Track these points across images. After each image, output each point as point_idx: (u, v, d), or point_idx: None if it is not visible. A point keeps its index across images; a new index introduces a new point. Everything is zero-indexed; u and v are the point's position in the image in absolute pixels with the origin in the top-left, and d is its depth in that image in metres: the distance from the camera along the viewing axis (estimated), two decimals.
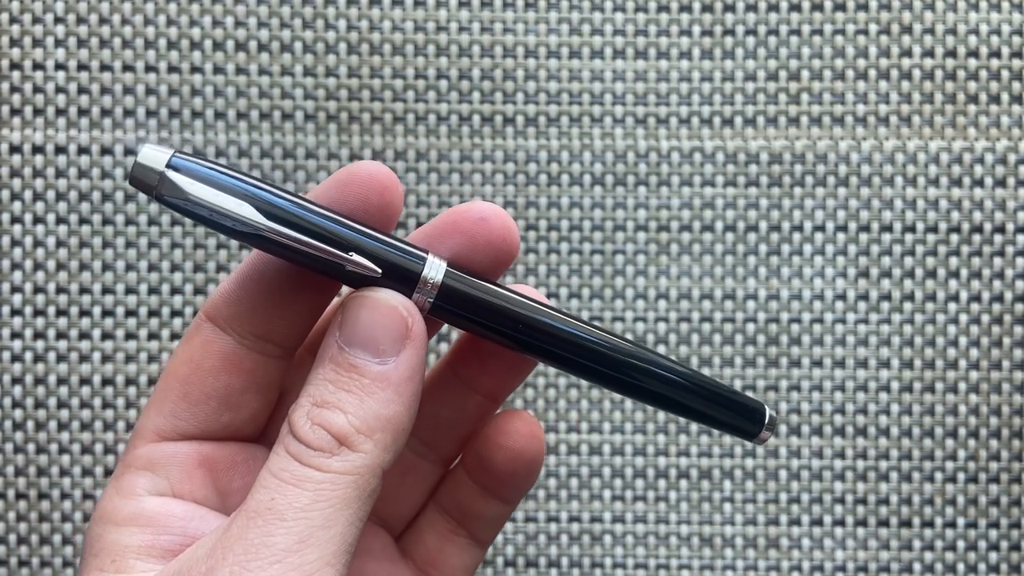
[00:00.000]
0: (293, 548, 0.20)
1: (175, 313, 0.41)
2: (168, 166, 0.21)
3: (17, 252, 0.41)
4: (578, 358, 0.23)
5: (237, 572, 0.20)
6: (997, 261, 0.41)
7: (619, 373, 0.23)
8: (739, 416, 0.24)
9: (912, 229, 0.42)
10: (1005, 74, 0.41)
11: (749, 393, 0.41)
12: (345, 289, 0.23)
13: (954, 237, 0.41)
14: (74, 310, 0.41)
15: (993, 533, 0.41)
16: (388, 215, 0.23)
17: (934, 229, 0.42)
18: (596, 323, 0.24)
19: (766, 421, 0.24)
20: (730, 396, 0.24)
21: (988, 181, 0.41)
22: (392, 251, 0.22)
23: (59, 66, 0.41)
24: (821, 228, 0.41)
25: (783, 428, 0.41)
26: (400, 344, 0.22)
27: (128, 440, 0.24)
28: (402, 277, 0.22)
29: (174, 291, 0.41)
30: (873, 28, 0.41)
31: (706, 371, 0.41)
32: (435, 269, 0.22)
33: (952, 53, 0.41)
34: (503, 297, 0.23)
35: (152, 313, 0.41)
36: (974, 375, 0.41)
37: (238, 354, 0.23)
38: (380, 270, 0.22)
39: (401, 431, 0.22)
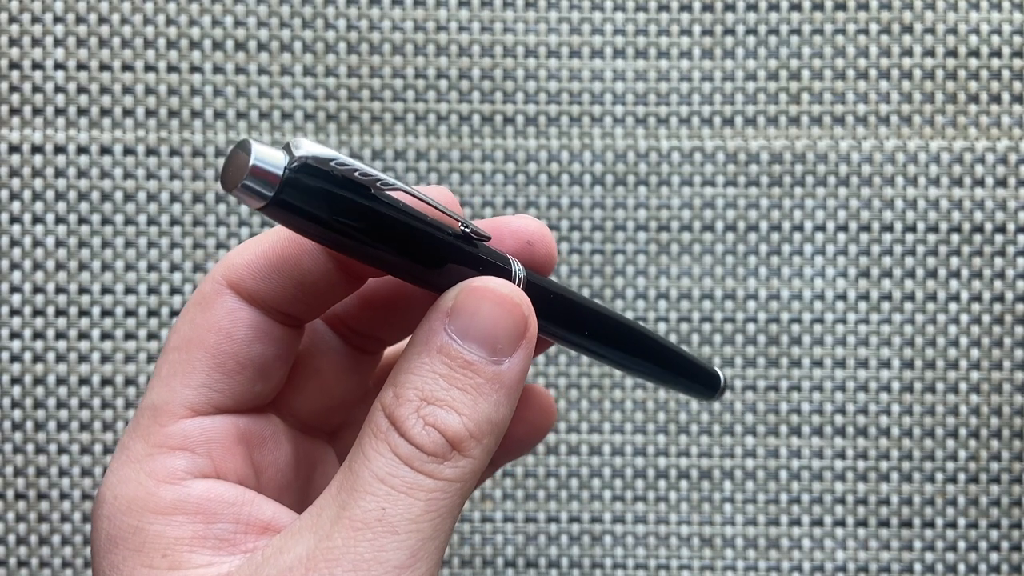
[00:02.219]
0: (406, 564, 0.19)
1: (174, 313, 0.41)
2: (291, 167, 0.18)
3: (16, 252, 0.41)
4: (611, 343, 0.24)
5: None
6: (998, 261, 0.41)
7: (636, 358, 0.25)
8: (698, 381, 0.26)
9: (913, 229, 0.41)
10: (1006, 74, 0.41)
11: (749, 394, 0.41)
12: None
13: (955, 237, 0.41)
14: (73, 310, 0.41)
15: (994, 533, 0.41)
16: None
17: (935, 229, 0.41)
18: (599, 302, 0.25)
19: (721, 384, 0.27)
20: (694, 363, 0.27)
21: (989, 181, 0.41)
22: (494, 250, 0.21)
23: (58, 65, 0.41)
24: (822, 228, 0.41)
25: (784, 428, 0.41)
26: (516, 344, 0.20)
27: (134, 420, 0.22)
28: (497, 269, 0.21)
29: (173, 291, 0.41)
30: (874, 27, 0.41)
31: None
32: (519, 267, 0.22)
33: (953, 52, 0.41)
34: (571, 300, 0.23)
35: (151, 313, 0.41)
36: (975, 375, 0.41)
37: (267, 323, 0.22)
38: (489, 235, 0.21)
39: (501, 435, 0.21)
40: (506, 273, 0.21)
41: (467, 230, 0.20)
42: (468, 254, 0.20)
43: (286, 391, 0.24)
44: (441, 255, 0.20)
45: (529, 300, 0.21)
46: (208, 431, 0.21)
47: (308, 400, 0.24)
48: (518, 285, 0.21)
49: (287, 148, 0.18)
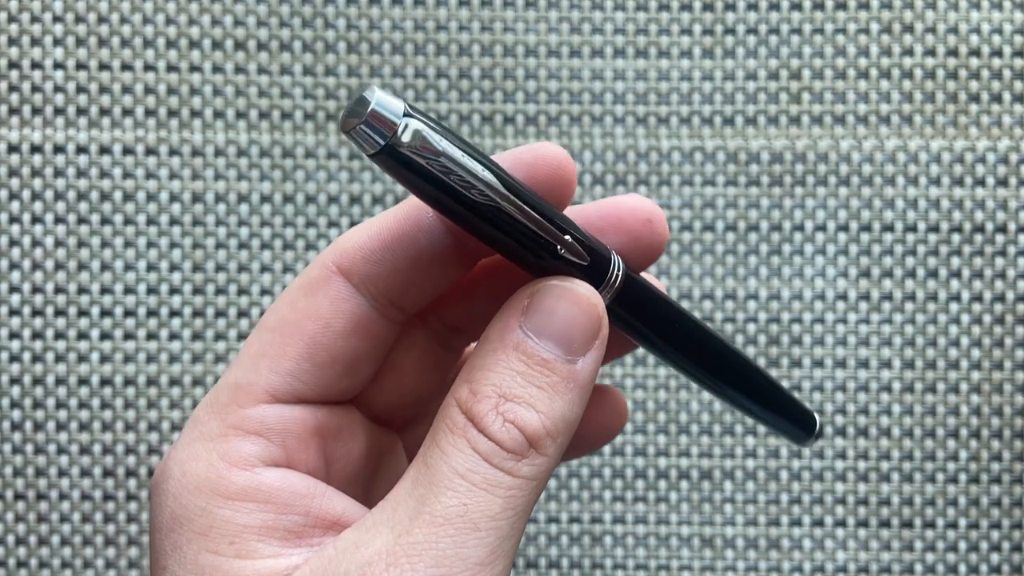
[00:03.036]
0: (486, 560, 0.19)
1: (173, 313, 0.41)
2: (405, 115, 0.18)
3: (15, 252, 0.41)
4: (705, 366, 0.24)
5: None
6: (999, 261, 0.41)
7: (734, 384, 0.24)
8: (793, 421, 0.25)
9: (914, 229, 0.41)
10: (1007, 73, 0.41)
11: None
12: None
13: (956, 237, 0.41)
14: (72, 310, 0.41)
15: (995, 534, 0.41)
16: (560, 206, 0.21)
17: (936, 229, 0.41)
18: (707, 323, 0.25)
19: (816, 429, 0.25)
20: (791, 400, 0.25)
21: (990, 180, 0.41)
22: (590, 241, 0.21)
23: (57, 65, 0.41)
24: (822, 228, 0.41)
25: None
26: (590, 344, 0.20)
27: (216, 395, 0.21)
28: (593, 272, 0.21)
29: (172, 291, 0.41)
30: (875, 27, 0.41)
31: None
32: (619, 268, 0.21)
33: (954, 52, 0.41)
34: (667, 305, 0.22)
35: (151, 313, 0.41)
36: (976, 375, 0.41)
37: (370, 317, 0.21)
38: (588, 258, 0.20)
39: (573, 434, 0.21)
40: (604, 270, 0.21)
41: (562, 251, 0.20)
42: (573, 243, 0.20)
43: (374, 383, 0.23)
44: (543, 250, 0.20)
45: (601, 300, 0.21)
46: (286, 420, 0.21)
47: (386, 395, 0.23)
48: (614, 282, 0.21)
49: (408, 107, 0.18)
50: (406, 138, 0.18)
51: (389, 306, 0.22)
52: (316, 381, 0.21)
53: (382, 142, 0.18)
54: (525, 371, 0.20)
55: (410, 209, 0.21)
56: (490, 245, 0.20)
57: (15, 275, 0.41)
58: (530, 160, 0.21)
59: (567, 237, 0.20)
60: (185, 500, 0.20)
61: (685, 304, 0.41)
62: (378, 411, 0.24)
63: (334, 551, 0.19)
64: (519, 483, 0.19)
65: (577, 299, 0.20)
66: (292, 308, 0.21)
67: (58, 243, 0.41)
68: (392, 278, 0.21)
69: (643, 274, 0.23)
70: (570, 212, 0.22)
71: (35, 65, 0.41)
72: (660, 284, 0.24)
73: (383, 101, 0.17)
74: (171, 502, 0.20)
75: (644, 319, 0.22)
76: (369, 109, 0.17)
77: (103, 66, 0.41)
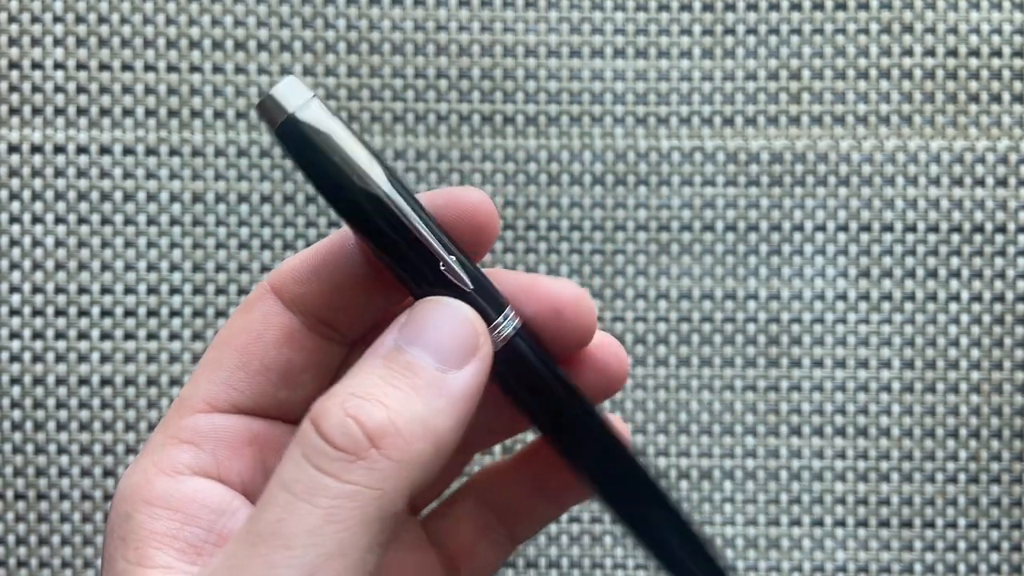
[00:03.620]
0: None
1: (174, 313, 0.41)
2: (312, 99, 0.20)
3: (16, 252, 0.41)
4: (597, 479, 0.22)
5: None
6: (998, 261, 0.41)
7: (628, 508, 0.22)
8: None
9: (913, 229, 0.41)
10: (1006, 73, 0.41)
11: (748, 416, 0.41)
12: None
13: (955, 237, 0.41)
14: (72, 310, 0.41)
15: (994, 534, 0.41)
16: (476, 251, 0.21)
17: (935, 229, 0.41)
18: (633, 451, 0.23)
19: None
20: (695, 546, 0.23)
21: (989, 181, 0.41)
22: (482, 280, 0.21)
23: (58, 65, 0.41)
24: (822, 228, 0.41)
25: (784, 428, 0.41)
26: (466, 358, 0.19)
27: (167, 411, 0.22)
28: (483, 305, 0.20)
29: (173, 291, 0.41)
30: (874, 27, 0.41)
31: (706, 371, 0.41)
32: (511, 320, 0.21)
33: (953, 52, 0.41)
34: (560, 384, 0.21)
35: (151, 313, 0.41)
36: (975, 375, 0.41)
37: (301, 333, 0.22)
38: (471, 286, 0.20)
39: (443, 450, 0.19)
40: (491, 315, 0.21)
41: (443, 268, 0.20)
42: (458, 282, 0.20)
43: None
44: (428, 277, 0.20)
45: (484, 325, 0.20)
46: (218, 428, 0.21)
47: None
48: (501, 334, 0.20)
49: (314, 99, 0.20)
50: (302, 115, 0.19)
51: (320, 325, 0.22)
52: (251, 389, 0.21)
53: (279, 119, 0.19)
54: (386, 374, 0.19)
55: (338, 236, 0.22)
56: (378, 256, 0.20)
57: (15, 275, 0.41)
58: (442, 200, 0.21)
59: (452, 257, 0.20)
60: (118, 508, 0.20)
61: (684, 304, 0.41)
62: None
63: (199, 572, 0.19)
64: (349, 491, 0.18)
65: (451, 311, 0.20)
66: (229, 326, 0.22)
67: (58, 243, 0.41)
68: (318, 298, 0.22)
69: (600, 347, 0.22)
70: (489, 273, 0.21)
71: (36, 65, 0.41)
72: (615, 363, 0.22)
73: (291, 84, 0.20)
74: (111, 512, 0.20)
75: (525, 386, 0.21)
76: (274, 89, 0.20)
77: (103, 66, 0.41)
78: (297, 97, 0.20)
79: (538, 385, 0.21)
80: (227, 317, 0.41)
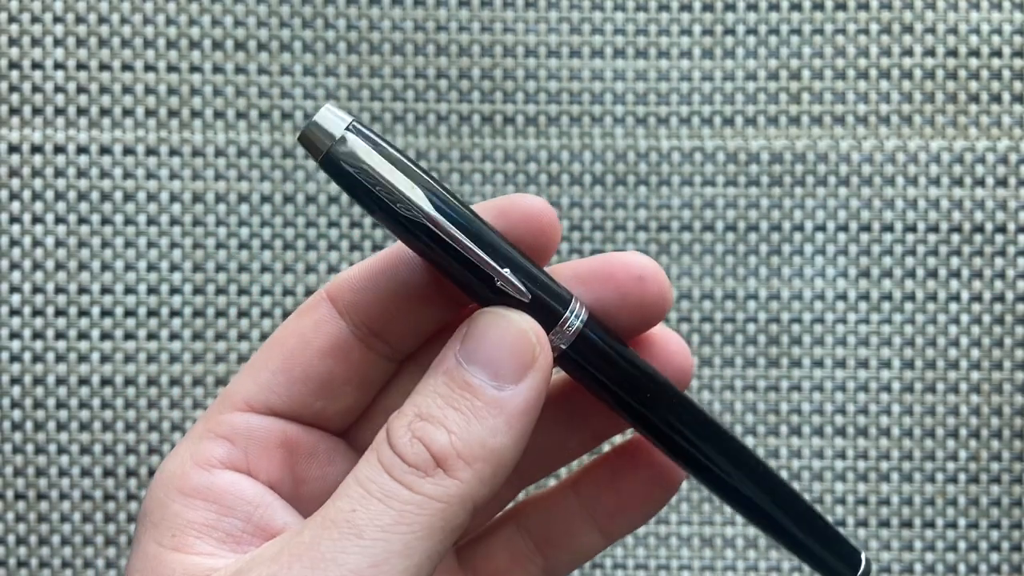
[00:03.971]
0: (363, 571, 0.18)
1: (174, 313, 0.41)
2: (348, 130, 0.20)
3: (16, 252, 0.41)
4: (700, 455, 0.22)
5: None
6: (998, 261, 0.41)
7: (741, 487, 0.22)
8: (835, 556, 0.23)
9: (913, 229, 0.41)
10: (1006, 73, 0.41)
11: (749, 395, 0.41)
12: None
13: (955, 237, 0.41)
14: (73, 310, 0.41)
15: (995, 534, 0.41)
16: (541, 255, 0.22)
17: (935, 229, 0.41)
18: (721, 421, 0.22)
19: (862, 567, 0.23)
20: (833, 535, 0.23)
21: (989, 181, 0.41)
22: (543, 280, 0.21)
23: (58, 65, 0.41)
24: (822, 228, 0.41)
25: (784, 428, 0.41)
26: (522, 373, 0.20)
27: (209, 404, 0.23)
28: (543, 312, 0.21)
29: (173, 291, 0.41)
30: (874, 27, 0.41)
31: (706, 371, 0.41)
32: (577, 314, 0.21)
33: (953, 52, 0.41)
34: (638, 364, 0.22)
35: (151, 313, 0.41)
36: (975, 375, 0.41)
37: (349, 343, 0.22)
38: (530, 295, 0.20)
39: (503, 466, 0.20)
40: (557, 313, 0.21)
41: (499, 283, 0.20)
42: (516, 294, 0.21)
43: (367, 421, 0.24)
44: (487, 291, 0.21)
45: (542, 330, 0.20)
46: (253, 427, 0.22)
47: (375, 434, 0.24)
48: (570, 328, 0.21)
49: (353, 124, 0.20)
50: (341, 149, 0.20)
51: (371, 336, 0.22)
52: (289, 395, 0.22)
53: (319, 152, 0.20)
54: (447, 394, 0.20)
55: (397, 247, 0.22)
56: (438, 269, 0.21)
57: (16, 275, 0.41)
58: (503, 206, 0.21)
59: (505, 269, 0.20)
60: (154, 493, 0.21)
61: (684, 304, 0.41)
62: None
63: (250, 558, 0.20)
64: (419, 500, 0.19)
65: (506, 324, 0.20)
66: (282, 328, 0.22)
67: (59, 243, 0.41)
68: (373, 307, 0.22)
69: (662, 337, 0.23)
70: (563, 266, 0.22)
71: (36, 65, 0.41)
72: (679, 353, 0.23)
73: (329, 115, 0.20)
74: (147, 496, 0.21)
75: (606, 375, 0.21)
76: (313, 120, 0.20)
77: (104, 66, 0.41)
78: (335, 128, 0.20)
79: (613, 368, 0.21)
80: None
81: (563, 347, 0.21)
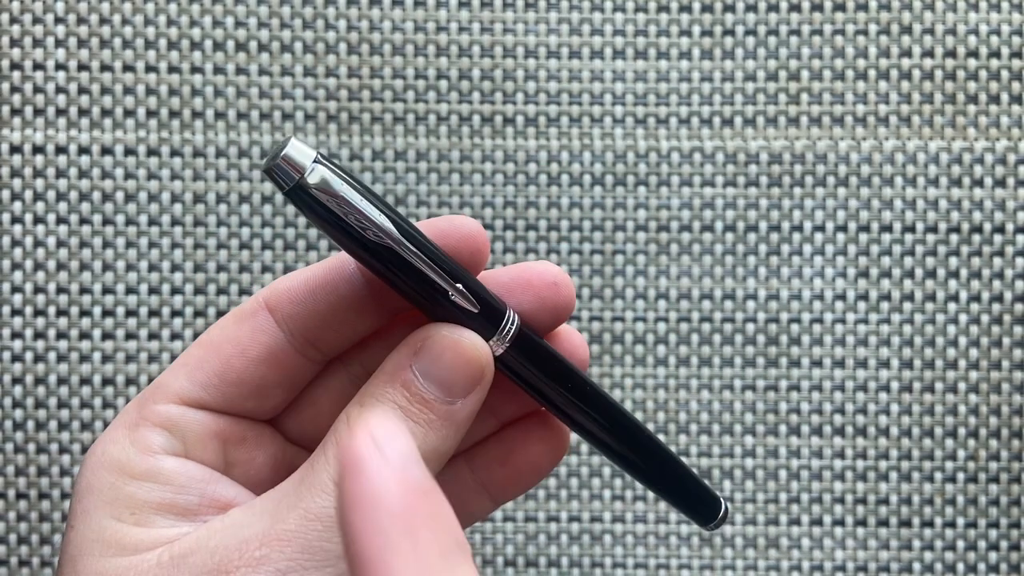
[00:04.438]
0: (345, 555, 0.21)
1: (175, 313, 0.41)
2: (315, 161, 0.21)
3: (18, 252, 0.41)
4: (605, 434, 0.25)
5: (292, 568, 0.21)
6: (997, 261, 0.41)
7: (632, 452, 0.26)
8: (701, 503, 0.27)
9: (912, 229, 0.42)
10: (1005, 74, 0.41)
11: (748, 394, 0.41)
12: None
13: (954, 237, 0.42)
14: (74, 310, 0.41)
15: (993, 533, 0.41)
16: (474, 271, 0.24)
17: (934, 229, 0.42)
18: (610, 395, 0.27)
19: (720, 513, 0.27)
20: (697, 484, 0.27)
21: (988, 181, 0.41)
22: (484, 294, 0.23)
23: (59, 66, 0.41)
24: (821, 228, 0.42)
25: (782, 428, 0.41)
26: (471, 388, 0.23)
27: (145, 388, 0.24)
28: (485, 322, 0.23)
29: (174, 291, 0.41)
30: (873, 28, 0.41)
31: (706, 371, 0.42)
32: (513, 321, 0.23)
33: (952, 53, 0.41)
34: (558, 360, 0.24)
35: (152, 313, 0.41)
36: (974, 375, 0.41)
37: (284, 352, 0.24)
38: (478, 307, 0.23)
39: (446, 460, 0.23)
40: (496, 321, 0.23)
41: (453, 296, 0.22)
42: (463, 291, 0.23)
43: (292, 410, 0.26)
44: (439, 305, 0.23)
45: (489, 350, 0.23)
46: (188, 421, 0.24)
47: (302, 423, 0.26)
48: (507, 334, 0.23)
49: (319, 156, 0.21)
50: (312, 179, 0.21)
51: (306, 344, 0.24)
52: (222, 396, 0.24)
53: (290, 183, 0.21)
54: (406, 406, 0.23)
55: (337, 260, 0.24)
56: (392, 287, 0.23)
57: (17, 275, 0.41)
58: (444, 227, 0.24)
59: (458, 285, 0.22)
60: (100, 474, 0.23)
61: (684, 304, 0.42)
62: (294, 436, 0.26)
63: (220, 525, 0.22)
64: None
65: (463, 350, 0.23)
66: (220, 331, 0.24)
67: (60, 243, 0.41)
68: (311, 319, 0.24)
69: (567, 333, 0.26)
70: (485, 275, 0.24)
71: (37, 66, 0.41)
72: (581, 346, 0.26)
73: (296, 148, 0.21)
74: (88, 474, 0.23)
75: (536, 372, 0.24)
76: (283, 153, 0.21)
77: (105, 67, 0.41)
78: (301, 159, 0.21)
79: (545, 368, 0.24)
80: None
81: (501, 351, 0.23)
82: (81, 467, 0.24)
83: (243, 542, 0.21)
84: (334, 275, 0.24)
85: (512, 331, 0.23)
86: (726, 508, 0.27)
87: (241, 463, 0.25)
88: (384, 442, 0.19)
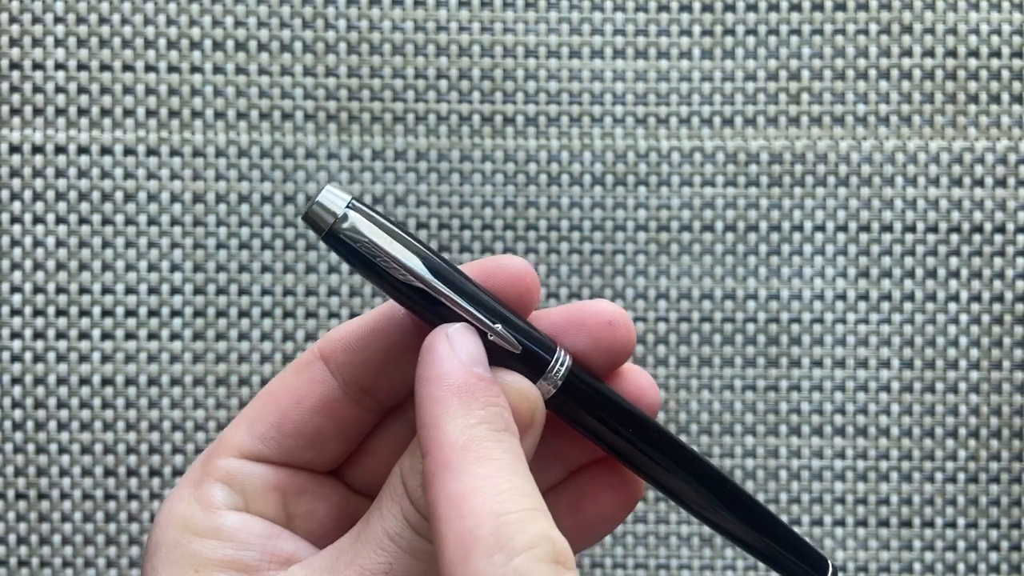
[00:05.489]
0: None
1: (175, 313, 0.41)
2: (348, 207, 0.22)
3: (17, 252, 0.41)
4: (677, 480, 0.24)
5: None
6: (997, 261, 0.41)
7: (715, 510, 0.24)
8: (805, 564, 0.25)
9: (912, 229, 0.42)
10: (1005, 74, 0.41)
11: (749, 394, 0.41)
12: None
13: (954, 237, 0.41)
14: (73, 310, 0.41)
15: (993, 533, 0.41)
16: (523, 311, 0.24)
17: (934, 229, 0.42)
18: (692, 447, 0.25)
19: (828, 573, 0.25)
20: (800, 544, 0.25)
21: (988, 181, 0.41)
22: (530, 332, 0.23)
23: (59, 66, 0.41)
24: (821, 228, 0.41)
25: (783, 428, 0.41)
26: (523, 433, 0.22)
27: (207, 446, 0.25)
28: (532, 363, 0.23)
29: (174, 291, 0.41)
30: (873, 28, 0.41)
31: (706, 371, 0.41)
32: (562, 362, 0.23)
33: (952, 53, 0.41)
34: (619, 402, 0.24)
35: (152, 313, 0.41)
36: (974, 375, 0.41)
37: (340, 402, 0.24)
38: (520, 347, 0.22)
39: None
40: (544, 362, 0.23)
41: (492, 337, 0.22)
42: (508, 346, 0.22)
43: (352, 461, 0.26)
44: (483, 337, 0.22)
45: (538, 393, 0.22)
46: (247, 474, 0.24)
47: (364, 473, 0.26)
48: (558, 375, 0.23)
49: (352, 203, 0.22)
50: (344, 225, 0.22)
51: (361, 393, 0.24)
52: (279, 448, 0.24)
53: (325, 228, 0.22)
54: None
55: (388, 307, 0.24)
56: (431, 326, 0.22)
57: (17, 275, 0.41)
58: (490, 267, 0.24)
59: (497, 325, 0.22)
60: (167, 532, 0.23)
61: (684, 304, 0.41)
62: (357, 486, 0.26)
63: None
64: None
65: (507, 393, 0.22)
66: (280, 383, 0.24)
67: (59, 243, 0.41)
68: (365, 367, 0.24)
69: (632, 373, 0.25)
70: (538, 314, 0.24)
71: (37, 66, 0.41)
72: (650, 389, 0.25)
73: (330, 195, 0.22)
74: (157, 532, 0.24)
75: (594, 415, 0.23)
76: (316, 200, 0.22)
77: (104, 67, 0.41)
78: (336, 206, 0.22)
79: (604, 411, 0.24)
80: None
81: (552, 391, 0.23)
82: (152, 528, 0.24)
83: None
84: (385, 322, 0.24)
85: (563, 372, 0.23)
86: (834, 569, 0.25)
87: (302, 515, 0.25)
88: (456, 341, 0.21)
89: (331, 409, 0.24)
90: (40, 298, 0.41)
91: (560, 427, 0.24)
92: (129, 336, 0.41)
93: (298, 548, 0.24)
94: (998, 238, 0.41)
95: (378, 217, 0.22)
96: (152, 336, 0.41)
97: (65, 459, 0.41)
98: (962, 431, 0.41)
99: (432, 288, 0.22)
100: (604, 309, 0.24)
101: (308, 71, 0.41)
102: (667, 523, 0.41)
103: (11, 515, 0.41)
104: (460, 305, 0.22)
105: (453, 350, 0.21)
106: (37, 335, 0.41)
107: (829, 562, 0.25)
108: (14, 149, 0.41)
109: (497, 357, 0.22)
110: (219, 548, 0.23)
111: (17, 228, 0.41)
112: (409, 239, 0.22)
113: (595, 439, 0.24)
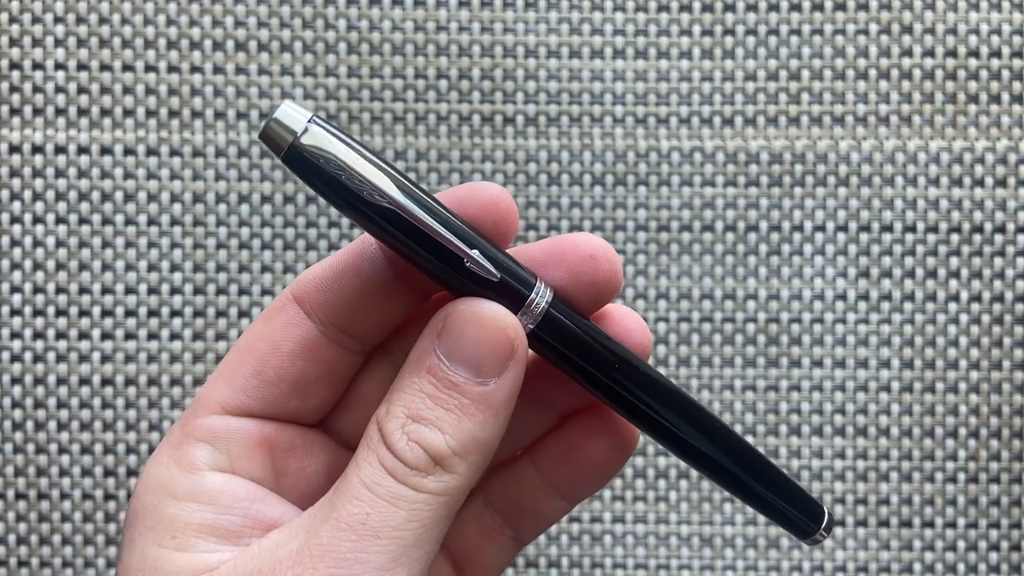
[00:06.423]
0: (386, 566, 0.20)
1: (174, 313, 0.41)
2: (310, 122, 0.20)
3: (16, 252, 0.41)
4: (667, 423, 0.23)
5: None
6: (998, 261, 0.41)
7: (705, 449, 0.23)
8: (799, 512, 0.23)
9: (912, 229, 0.42)
10: (1006, 74, 0.41)
11: (749, 394, 0.41)
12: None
13: (955, 237, 0.41)
14: (73, 310, 0.41)
15: (994, 533, 0.41)
16: (501, 241, 0.22)
17: (934, 229, 0.42)
18: (683, 387, 0.24)
19: (823, 522, 0.23)
20: (795, 491, 0.24)
21: (989, 181, 0.41)
22: (508, 263, 0.21)
23: (58, 66, 0.41)
24: (821, 228, 0.41)
25: (783, 428, 0.41)
26: (504, 365, 0.21)
27: (187, 407, 0.23)
28: (510, 294, 0.21)
29: (174, 291, 0.41)
30: (873, 28, 0.41)
31: (706, 371, 0.41)
32: (542, 294, 0.21)
33: (953, 53, 0.41)
34: (603, 339, 0.22)
35: (151, 313, 0.41)
36: (975, 375, 0.41)
37: (318, 343, 0.23)
38: (498, 275, 0.21)
39: (492, 452, 0.22)
40: (522, 295, 0.21)
41: (469, 264, 0.21)
42: (485, 274, 0.21)
43: (341, 410, 0.25)
44: (456, 274, 0.21)
45: (517, 320, 0.21)
46: (232, 431, 0.23)
47: (353, 423, 0.24)
48: (537, 308, 0.21)
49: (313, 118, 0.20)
50: (306, 141, 0.20)
51: (339, 333, 0.23)
52: (263, 397, 0.23)
53: (284, 146, 0.20)
54: (434, 394, 0.21)
55: (359, 242, 0.23)
56: (407, 260, 0.21)
57: (16, 275, 0.41)
58: (463, 194, 0.22)
59: (474, 251, 0.21)
60: (144, 499, 0.22)
61: (684, 304, 0.41)
62: (348, 437, 0.25)
63: (258, 549, 0.21)
64: (424, 498, 0.21)
65: (484, 322, 0.21)
66: (252, 332, 0.23)
67: (59, 243, 0.41)
68: (340, 306, 0.23)
69: (619, 313, 0.23)
70: (516, 250, 0.22)
71: (36, 66, 0.41)
72: (638, 329, 0.23)
73: (290, 110, 0.20)
74: (134, 500, 0.22)
75: (578, 353, 0.22)
76: (275, 116, 0.20)
77: (104, 67, 0.41)
78: (296, 122, 0.20)
79: (581, 345, 0.22)
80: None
81: (531, 327, 0.21)
82: (131, 496, 0.23)
83: (276, 563, 0.20)
84: (357, 258, 0.23)
85: (543, 304, 0.21)
86: (830, 516, 0.23)
87: (292, 473, 0.23)
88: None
89: (311, 352, 0.23)
90: (40, 298, 0.41)
91: (548, 371, 0.23)
92: (129, 336, 0.41)
93: (284, 513, 0.22)
94: (998, 238, 0.41)
95: (343, 135, 0.20)
96: (152, 336, 0.41)
97: (65, 459, 0.41)
98: (962, 431, 0.41)
99: (403, 210, 0.20)
100: (585, 242, 0.22)
101: (308, 71, 0.41)
102: (667, 523, 0.41)
103: (11, 515, 0.41)
104: (434, 230, 0.20)
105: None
106: (37, 335, 0.41)
107: (824, 508, 0.23)
108: (14, 149, 0.41)
109: (475, 290, 0.21)
110: (198, 511, 0.21)
111: (17, 228, 0.41)
112: (377, 159, 0.20)
113: (580, 378, 0.22)
